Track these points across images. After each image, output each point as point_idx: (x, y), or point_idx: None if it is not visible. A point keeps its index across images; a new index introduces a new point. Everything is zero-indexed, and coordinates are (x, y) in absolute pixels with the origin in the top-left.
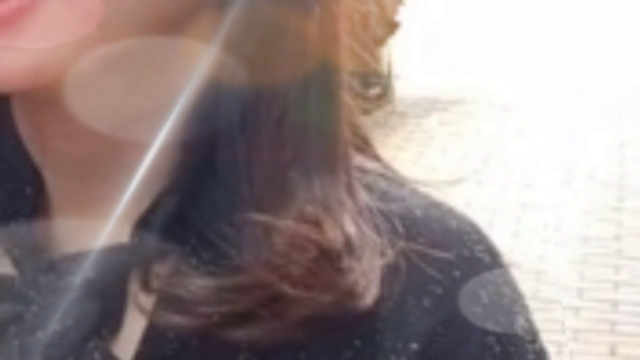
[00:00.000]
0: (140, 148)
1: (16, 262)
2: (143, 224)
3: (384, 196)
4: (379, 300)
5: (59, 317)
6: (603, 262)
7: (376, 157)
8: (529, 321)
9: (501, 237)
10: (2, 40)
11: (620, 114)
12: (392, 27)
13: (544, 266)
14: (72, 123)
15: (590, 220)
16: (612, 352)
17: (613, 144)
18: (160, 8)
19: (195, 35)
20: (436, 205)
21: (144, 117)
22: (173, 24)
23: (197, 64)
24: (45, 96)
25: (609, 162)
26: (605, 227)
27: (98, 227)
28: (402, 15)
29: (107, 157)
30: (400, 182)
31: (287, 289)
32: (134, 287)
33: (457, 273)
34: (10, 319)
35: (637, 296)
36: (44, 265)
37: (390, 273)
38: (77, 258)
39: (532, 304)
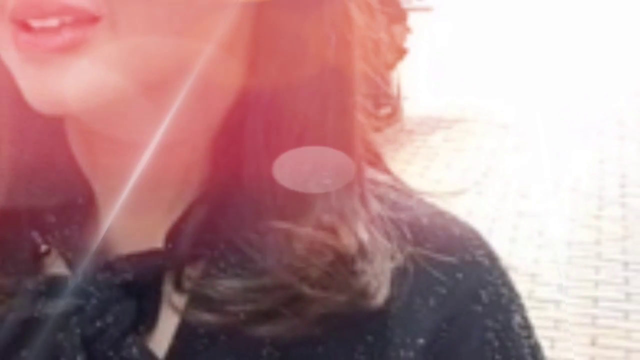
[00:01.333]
0: (181, 163)
1: (69, 264)
2: (176, 231)
3: (393, 206)
4: (389, 300)
5: (101, 314)
6: (585, 264)
7: (386, 171)
8: (524, 318)
9: (499, 242)
10: (57, 68)
11: (600, 133)
12: (400, 53)
13: (538, 269)
14: (118, 141)
15: (574, 227)
16: (593, 343)
17: (594, 159)
18: (198, 42)
19: (228, 64)
20: (441, 214)
21: (185, 138)
22: (209, 55)
23: (230, 89)
24: (94, 118)
25: (590, 176)
26: (586, 233)
27: (139, 233)
28: (410, 42)
29: (153, 171)
30: (408, 193)
31: (306, 289)
32: (167, 288)
33: (459, 275)
34: (73, 311)
35: (615, 293)
36: (101, 264)
37: (399, 275)
38: (124, 260)
39: (527, 303)
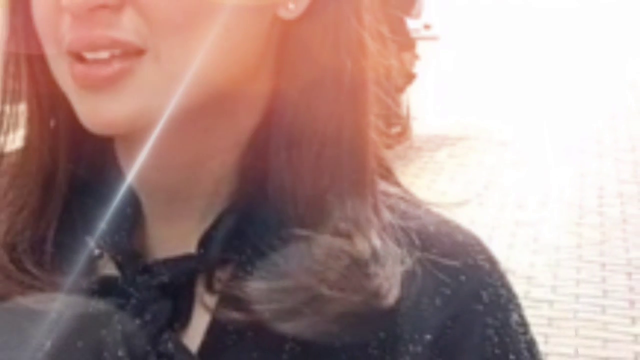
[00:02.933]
0: (213, 176)
1: (119, 266)
2: (208, 237)
3: (403, 215)
4: (399, 300)
5: (140, 313)
6: (568, 265)
7: (397, 183)
8: (521, 317)
9: (498, 248)
10: (108, 95)
11: (581, 150)
12: (410, 77)
13: (533, 272)
14: (161, 158)
15: (560, 233)
16: (576, 334)
17: (575, 174)
18: (229, 70)
19: (255, 89)
20: (446, 222)
21: (216, 154)
22: (239, 81)
23: (256, 110)
24: (141, 137)
25: (572, 188)
26: (570, 238)
27: (175, 239)
28: (418, 68)
29: (188, 185)
30: (416, 203)
31: (324, 290)
32: (200, 289)
33: (462, 278)
34: (115, 309)
35: (594, 291)
36: (140, 268)
37: (408, 277)
38: (161, 264)
39: (523, 303)
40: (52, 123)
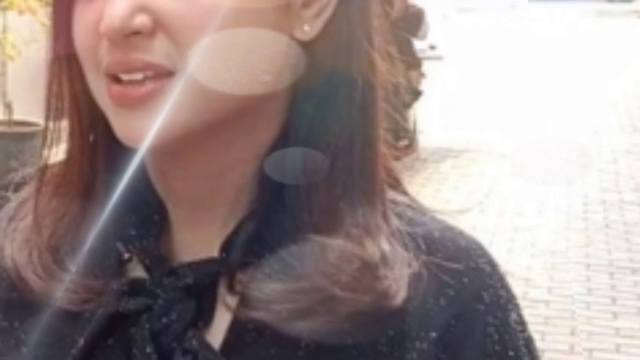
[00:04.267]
0: (234, 186)
1: (147, 269)
2: (229, 242)
3: (410, 222)
4: (407, 300)
5: (166, 312)
6: (566, 269)
7: (404, 192)
8: (519, 316)
9: (498, 252)
10: (141, 112)
11: (567, 162)
12: (416, 94)
13: (530, 274)
14: (187, 169)
15: (558, 239)
16: (572, 333)
17: (562, 183)
18: (250, 88)
19: (273, 105)
20: (450, 228)
21: (237, 165)
22: (259, 98)
23: (273, 124)
24: (168, 150)
25: (557, 196)
26: (565, 243)
27: (198, 244)
28: (424, 85)
29: (211, 194)
30: (422, 211)
31: (337, 291)
32: (222, 290)
33: (465, 280)
34: (143, 309)
35: (579, 289)
36: (167, 270)
37: (415, 279)
38: (186, 267)
39: (522, 303)
40: (91, 137)
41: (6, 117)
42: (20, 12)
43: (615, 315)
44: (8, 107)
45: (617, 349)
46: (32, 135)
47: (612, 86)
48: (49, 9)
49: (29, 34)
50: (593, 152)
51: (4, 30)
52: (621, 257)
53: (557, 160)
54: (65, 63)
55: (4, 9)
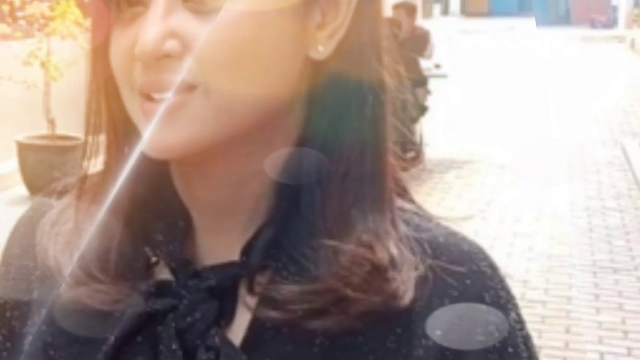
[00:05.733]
0: (254, 195)
1: (173, 272)
2: (249, 247)
3: (417, 228)
4: (414, 301)
5: (190, 312)
6: (562, 272)
7: (411, 201)
8: (518, 315)
9: (499, 256)
10: (166, 125)
11: (556, 172)
12: (422, 110)
13: (528, 277)
14: (210, 179)
15: (554, 244)
16: (567, 331)
17: (561, 192)
18: (269, 104)
19: (290, 119)
20: (454, 234)
21: (257, 175)
22: (277, 113)
23: (291, 138)
24: (192, 161)
25: (548, 203)
26: (563, 248)
27: (221, 249)
28: (430, 102)
29: (232, 202)
30: (428, 218)
31: (349, 292)
32: (242, 292)
33: (468, 282)
34: (170, 309)
35: (584, 294)
36: (191, 273)
37: (421, 282)
38: (209, 270)
39: (520, 303)
40: (126, 150)
41: (50, 132)
42: (63, 38)
43: (598, 311)
44: (52, 123)
45: (600, 341)
46: (73, 148)
47: (595, 104)
48: (89, 35)
49: (70, 58)
50: (578, 164)
51: (48, 54)
52: (604, 259)
53: (547, 171)
54: (103, 83)
55: (49, 34)
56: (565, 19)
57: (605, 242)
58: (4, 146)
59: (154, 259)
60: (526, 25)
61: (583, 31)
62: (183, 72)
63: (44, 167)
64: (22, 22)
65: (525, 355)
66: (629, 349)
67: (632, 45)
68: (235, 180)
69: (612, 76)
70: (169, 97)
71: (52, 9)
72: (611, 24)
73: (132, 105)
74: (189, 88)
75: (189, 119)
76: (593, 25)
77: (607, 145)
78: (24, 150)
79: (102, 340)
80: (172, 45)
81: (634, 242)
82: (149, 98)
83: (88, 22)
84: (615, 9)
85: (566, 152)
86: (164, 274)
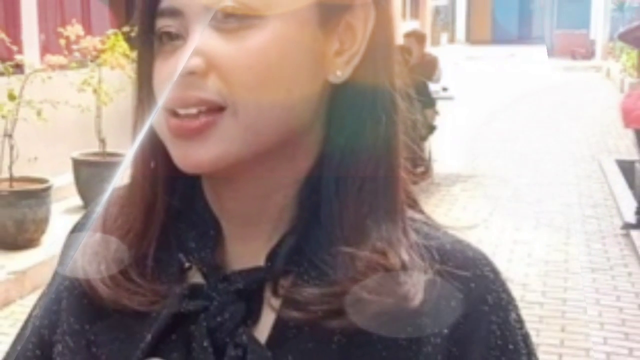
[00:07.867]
0: (277, 206)
1: (204, 276)
2: (273, 254)
3: (426, 236)
4: (423, 302)
5: (220, 312)
6: (557, 276)
7: (421, 211)
8: (518, 315)
9: (500, 262)
10: (196, 142)
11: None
12: (431, 129)
13: (527, 280)
14: (238, 192)
15: (550, 250)
16: (563, 330)
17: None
18: (291, 123)
19: (310, 137)
20: (459, 241)
21: (280, 188)
22: (298, 131)
23: (311, 153)
24: (222, 175)
25: (547, 214)
26: (558, 254)
27: (247, 255)
28: (438, 121)
29: (258, 212)
30: (436, 227)
31: (364, 294)
32: (267, 294)
33: (472, 285)
34: (201, 310)
35: (578, 295)
36: (221, 277)
37: (430, 285)
38: (237, 274)
39: (520, 305)
40: (152, 164)
41: (101, 150)
42: (112, 68)
43: (585, 310)
44: (102, 141)
45: (586, 338)
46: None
47: (575, 125)
48: (135, 65)
49: (118, 85)
50: (572, 175)
51: (99, 81)
52: (582, 260)
53: (535, 183)
54: (147, 107)
55: (100, 65)
56: (550, 52)
57: (583, 246)
58: (61, 162)
59: (187, 264)
60: (525, 51)
61: (565, 62)
62: (206, 89)
63: (95, 180)
64: (77, 54)
65: (524, 351)
66: (605, 339)
67: (608, 73)
68: (260, 192)
69: (590, 101)
70: (193, 112)
71: (102, 42)
72: (589, 55)
73: (158, 121)
74: (219, 109)
75: (218, 137)
76: (573, 56)
77: (586, 161)
78: (78, 165)
79: (139, 337)
80: (195, 62)
81: (609, 245)
82: (173, 113)
83: (134, 54)
84: (593, 42)
85: (552, 165)
86: (196, 277)
